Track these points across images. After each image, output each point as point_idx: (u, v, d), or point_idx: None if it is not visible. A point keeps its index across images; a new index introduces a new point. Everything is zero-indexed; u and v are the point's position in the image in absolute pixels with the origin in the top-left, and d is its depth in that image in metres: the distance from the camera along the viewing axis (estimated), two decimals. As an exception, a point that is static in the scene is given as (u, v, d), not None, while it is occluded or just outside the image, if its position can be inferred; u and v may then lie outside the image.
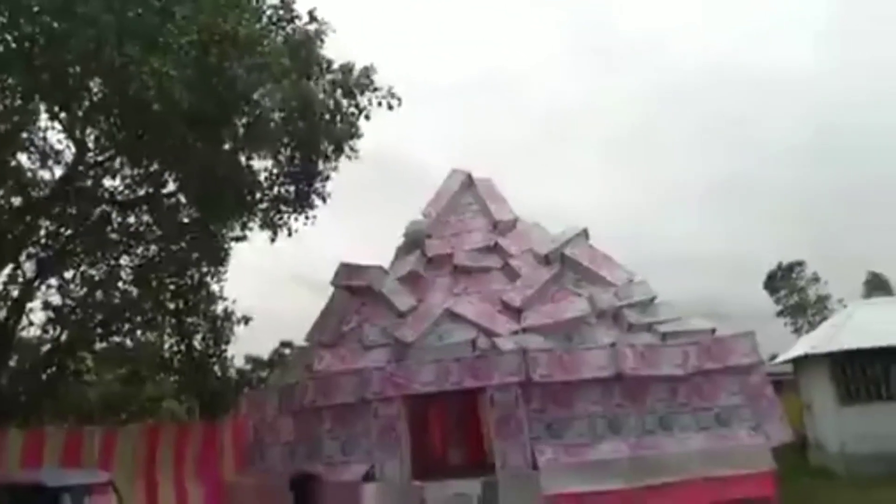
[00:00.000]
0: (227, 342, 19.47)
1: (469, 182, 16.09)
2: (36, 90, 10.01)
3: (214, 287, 17.85)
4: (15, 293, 13.80)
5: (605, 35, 79.34)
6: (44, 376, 15.27)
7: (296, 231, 14.27)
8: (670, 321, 13.30)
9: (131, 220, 14.44)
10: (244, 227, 14.42)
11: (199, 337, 19.01)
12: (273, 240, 14.00)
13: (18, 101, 10.40)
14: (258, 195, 13.63)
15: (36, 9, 8.79)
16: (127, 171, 13.72)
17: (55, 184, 12.96)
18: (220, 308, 18.74)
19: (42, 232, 13.67)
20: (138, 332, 16.86)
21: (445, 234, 15.25)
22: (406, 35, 79.45)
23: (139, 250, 14.97)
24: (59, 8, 8.68)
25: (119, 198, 13.92)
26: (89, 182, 13.35)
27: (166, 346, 18.82)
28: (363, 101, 12.76)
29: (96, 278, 14.93)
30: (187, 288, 16.77)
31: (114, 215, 14.14)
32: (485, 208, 15.57)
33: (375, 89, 12.78)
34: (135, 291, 15.26)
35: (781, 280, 42.37)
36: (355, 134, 13.26)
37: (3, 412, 13.66)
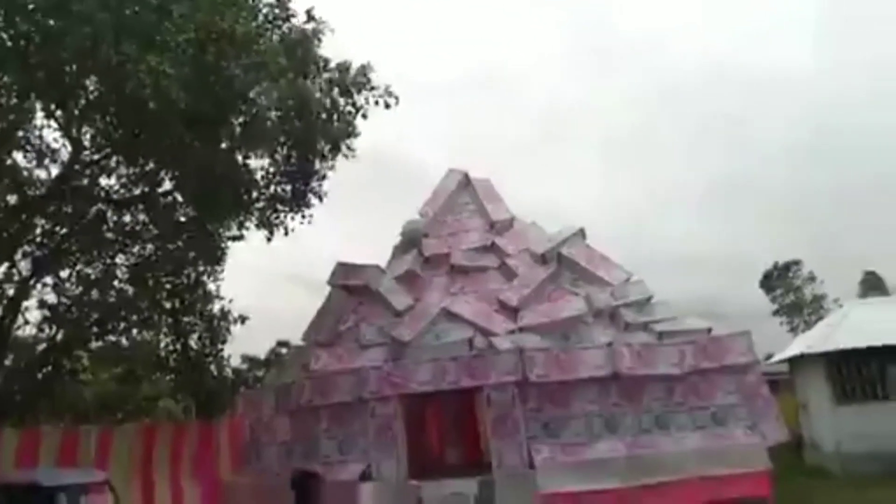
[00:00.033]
0: (224, 341, 19.38)
1: (466, 181, 16.10)
2: (32, 88, 9.97)
3: (211, 286, 17.79)
4: (10, 292, 13.74)
5: (604, 35, 79.39)
6: (39, 375, 15.22)
7: (292, 230, 14.25)
8: (667, 320, 13.33)
9: (127, 218, 14.40)
10: (241, 226, 14.39)
11: (195, 336, 18.92)
12: (270, 239, 13.96)
13: (14, 100, 10.34)
14: (255, 194, 13.60)
15: (31, 6, 8.76)
16: (123, 170, 13.68)
17: (51, 182, 12.92)
18: (216, 307, 18.65)
19: (38, 230, 13.62)
20: (134, 332, 16.80)
21: (442, 234, 15.26)
22: (404, 34, 79.43)
23: (135, 249, 14.92)
24: (55, 6, 8.65)
25: (115, 196, 13.88)
26: (85, 181, 13.31)
27: (162, 345, 18.73)
28: (360, 99, 12.74)
29: (92, 277, 14.88)
30: (184, 287, 16.72)
31: (110, 214, 14.09)
32: (482, 208, 15.57)
33: (372, 88, 12.75)
34: (131, 290, 15.22)
35: (778, 279, 42.47)
36: (352, 133, 13.24)
37: (-2, 411, 13.62)
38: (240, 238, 15.00)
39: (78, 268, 14.79)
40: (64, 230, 13.78)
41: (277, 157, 13.50)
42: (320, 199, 14.23)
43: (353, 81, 12.69)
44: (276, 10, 11.58)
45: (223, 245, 15.63)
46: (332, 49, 12.78)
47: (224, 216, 13.67)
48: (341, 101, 12.78)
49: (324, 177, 14.08)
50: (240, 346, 23.73)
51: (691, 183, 65.64)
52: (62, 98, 10.72)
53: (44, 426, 15.35)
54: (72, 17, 8.59)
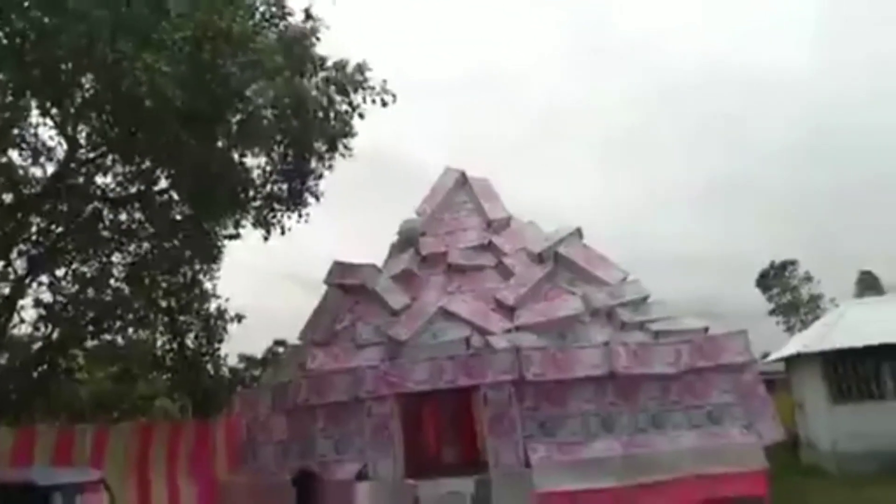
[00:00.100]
0: (220, 340, 19.40)
1: (463, 180, 16.10)
2: (27, 86, 9.91)
3: (207, 285, 17.81)
4: (6, 290, 13.69)
5: (603, 34, 79.53)
6: (35, 374, 15.17)
7: (289, 229, 14.18)
8: (663, 320, 13.34)
9: (123, 217, 14.33)
10: (237, 224, 14.33)
11: (191, 335, 18.94)
12: (266, 238, 13.90)
13: (9, 97, 10.29)
14: (251, 193, 13.55)
15: (27, 3, 8.71)
16: (119, 168, 13.61)
17: (46, 181, 12.86)
18: (212, 306, 18.68)
19: (33, 229, 13.56)
20: (130, 330, 16.76)
21: (439, 233, 15.26)
22: (402, 33, 79.43)
23: (131, 248, 14.86)
24: (51, 3, 8.61)
25: (111, 195, 13.82)
26: (81, 179, 13.25)
27: (159, 344, 18.74)
28: (357, 98, 12.70)
29: (88, 276, 14.82)
30: (180, 286, 16.69)
31: (106, 212, 14.03)
32: (479, 206, 15.58)
33: (370, 87, 12.72)
34: (127, 289, 15.17)
35: (774, 279, 42.60)
36: (349, 132, 13.20)
37: (-7, 410, 13.58)
38: (236, 237, 14.95)
39: (74, 266, 14.74)
40: (59, 229, 13.72)
41: (274, 155, 13.45)
42: (317, 198, 14.19)
43: (349, 80, 12.64)
44: (273, 9, 11.54)
45: (219, 244, 15.58)
46: (328, 47, 12.74)
47: (220, 215, 13.62)
48: (338, 99, 12.74)
49: (321, 176, 14.03)
50: (236, 345, 23.69)
51: (689, 183, 65.87)
52: (58, 96, 10.67)
53: (39, 425, 15.30)
54: (68, 15, 8.55)
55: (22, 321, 14.65)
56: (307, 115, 11.97)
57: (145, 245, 14.79)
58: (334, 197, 14.75)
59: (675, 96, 69.90)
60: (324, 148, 13.18)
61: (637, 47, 72.69)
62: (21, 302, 14.12)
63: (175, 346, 18.68)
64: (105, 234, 14.19)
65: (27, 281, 14.04)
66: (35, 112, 11.68)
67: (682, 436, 11.39)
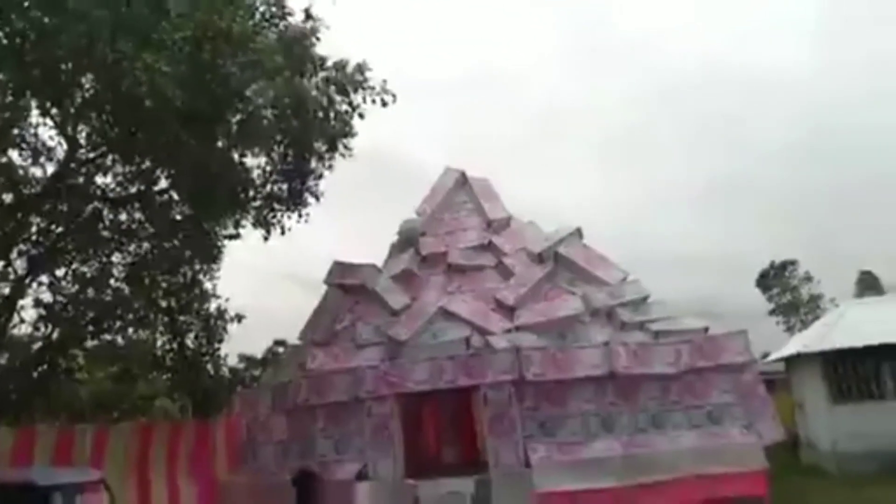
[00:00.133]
0: (220, 340, 19.40)
1: (463, 180, 16.10)
2: (27, 86, 9.91)
3: (207, 285, 17.80)
4: (6, 290, 13.69)
5: (602, 35, 79.55)
6: (35, 374, 15.17)
7: (289, 229, 14.18)
8: (663, 320, 13.34)
9: (123, 217, 14.33)
10: (237, 224, 14.33)
11: (191, 335, 18.94)
12: (266, 238, 13.90)
13: (9, 98, 10.29)
14: (251, 193, 13.55)
15: (26, 3, 8.71)
16: (119, 168, 13.61)
17: (46, 181, 12.86)
18: (212, 306, 18.68)
19: (33, 229, 13.56)
20: (130, 330, 16.76)
21: (439, 233, 15.25)
22: (402, 33, 79.43)
23: (131, 248, 14.86)
24: (50, 3, 8.60)
25: (111, 195, 13.82)
26: (81, 179, 13.25)
27: (159, 344, 18.73)
28: (357, 98, 12.70)
29: (88, 276, 14.82)
30: (180, 286, 16.69)
31: (105, 212, 14.03)
32: (479, 206, 15.58)
33: (370, 87, 12.72)
34: (127, 289, 15.16)
35: (774, 279, 42.61)
36: (349, 132, 13.20)
37: (-7, 410, 13.58)
38: (236, 237, 14.95)
39: (73, 266, 14.74)
40: (59, 229, 13.72)
41: (274, 155, 13.46)
42: (317, 198, 14.18)
43: (350, 80, 12.64)
44: (273, 9, 11.54)
45: (219, 244, 15.58)
46: (329, 47, 12.74)
47: (220, 215, 13.62)
48: (338, 99, 12.74)
49: (321, 176, 14.03)
50: (236, 345, 23.70)
51: (688, 182, 65.89)
52: (58, 96, 10.66)
53: (39, 425, 15.30)
54: (67, 15, 8.55)
55: (22, 321, 14.66)
56: (307, 115, 11.97)
57: (145, 245, 14.79)
58: (334, 197, 14.77)
59: (675, 96, 70.02)
60: (324, 148, 13.19)
61: (636, 47, 72.78)
62: (21, 302, 14.12)
63: (175, 346, 18.68)
64: (105, 234, 14.19)
65: (27, 281, 14.04)
66: (35, 112, 11.68)
67: (682, 436, 11.39)
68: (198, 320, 18.62)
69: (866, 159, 51.81)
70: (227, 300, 18.81)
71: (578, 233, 14.79)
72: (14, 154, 12.69)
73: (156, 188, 13.70)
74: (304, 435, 12.39)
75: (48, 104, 11.22)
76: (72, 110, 11.49)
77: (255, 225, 13.92)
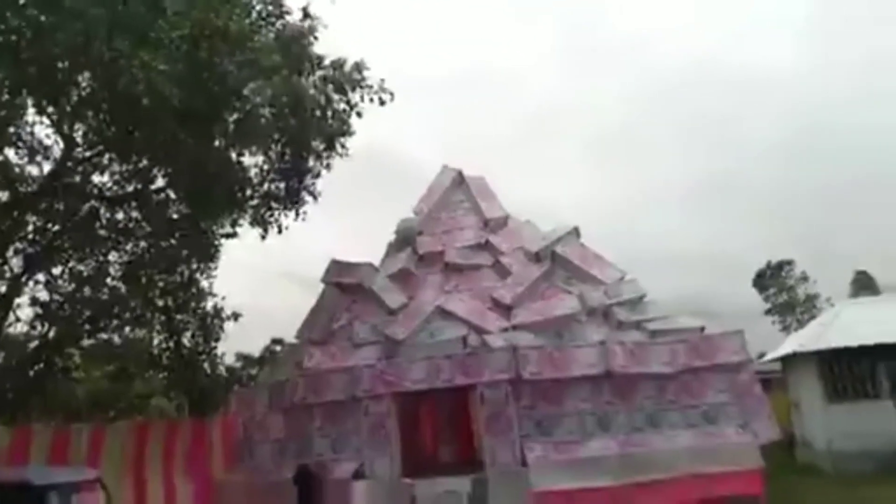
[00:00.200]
0: (217, 339, 19.36)
1: (460, 179, 16.10)
2: (23, 84, 9.89)
3: (204, 284, 17.75)
4: (2, 289, 13.65)
5: (595, 34, 79.60)
6: (31, 373, 15.14)
7: (286, 228, 14.18)
8: (659, 319, 13.37)
9: (120, 216, 14.31)
10: (234, 223, 14.33)
11: (188, 334, 18.90)
12: (263, 236, 13.91)
13: (6, 96, 10.27)
14: (248, 191, 13.55)
15: (23, 2, 8.68)
16: (116, 167, 13.59)
17: (43, 179, 12.83)
18: (209, 305, 18.63)
19: (30, 227, 13.53)
20: (127, 329, 16.75)
21: (437, 232, 15.25)
22: (399, 31, 79.36)
23: (128, 246, 14.84)
24: (47, 1, 8.58)
25: (108, 194, 13.79)
26: (78, 178, 13.23)
27: (155, 342, 18.69)
28: (355, 97, 12.70)
29: (84, 274, 14.80)
30: (177, 285, 16.66)
31: (102, 211, 14.01)
32: (476, 206, 15.58)
33: (368, 86, 12.72)
34: (123, 288, 15.14)
35: (771, 279, 42.69)
36: (347, 131, 13.20)
37: (-11, 409, 13.55)
38: (233, 235, 14.95)
39: (70, 265, 14.71)
40: (56, 227, 13.70)
41: (271, 154, 13.46)
42: (314, 196, 14.19)
43: (347, 78, 12.64)
44: (270, 7, 11.54)
45: (216, 242, 15.57)
46: (326, 46, 12.75)
47: (217, 213, 13.61)
48: (336, 98, 12.74)
49: (318, 174, 14.03)
50: (233, 344, 23.64)
51: (682, 181, 65.92)
52: (54, 94, 10.64)
53: (35, 424, 15.27)
54: (64, 13, 8.53)
55: (18, 320, 14.62)
56: (305, 114, 11.97)
57: (142, 244, 14.78)
58: (331, 195, 14.78)
59: (670, 95, 70.00)
60: (321, 147, 13.19)
61: (632, 46, 72.80)
62: (17, 300, 14.09)
63: (171, 344, 18.65)
64: (102, 232, 14.17)
65: (23, 279, 14.01)
66: (31, 110, 11.66)
67: (678, 435, 11.42)
68: (194, 319, 18.58)
69: (861, 159, 51.98)
70: (223, 299, 18.80)
71: (575, 232, 14.82)
72: (10, 152, 12.68)
73: (153, 187, 13.68)
74: (301, 434, 12.38)
75: (45, 102, 11.20)
76: (68, 108, 11.47)
77: (252, 223, 13.92)
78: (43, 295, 14.84)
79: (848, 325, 16.44)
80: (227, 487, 13.26)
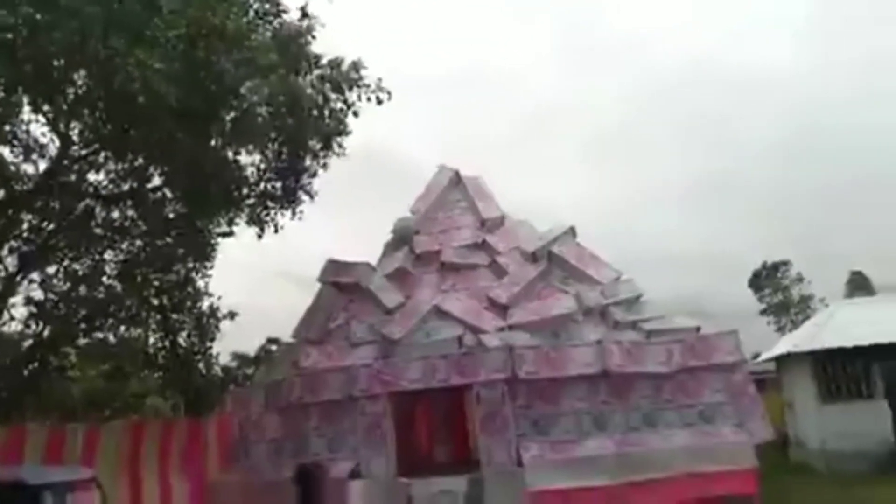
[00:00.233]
0: (213, 339, 19.35)
1: (457, 179, 16.10)
2: (19, 82, 9.85)
3: (200, 283, 17.74)
4: (-3, 288, 13.63)
5: (592, 34, 79.73)
6: (26, 372, 15.10)
7: (283, 227, 14.21)
8: (655, 319, 13.39)
9: (116, 214, 14.29)
10: (231, 222, 14.33)
11: (184, 333, 18.88)
12: (260, 236, 13.91)
13: (1, 94, 10.23)
14: (245, 191, 13.54)
15: (18, -1, 8.66)
16: (112, 166, 13.57)
17: (38, 178, 12.79)
18: (205, 304, 18.62)
19: (25, 226, 13.50)
20: (122, 328, 16.70)
21: (433, 231, 15.24)
22: (396, 31, 79.34)
23: (124, 245, 14.82)
24: (43, -1, 8.56)
25: (103, 192, 13.77)
26: (73, 176, 13.20)
27: (151, 342, 18.66)
28: (352, 96, 12.69)
29: (80, 273, 14.77)
30: (172, 284, 16.65)
31: (98, 210, 13.98)
32: (473, 205, 15.58)
33: (365, 85, 12.72)
34: (119, 287, 15.12)
35: (766, 279, 42.87)
36: (343, 130, 13.20)
37: (-16, 408, 13.50)
38: (230, 234, 14.95)
39: (65, 264, 14.68)
40: (51, 226, 13.67)
41: (268, 153, 13.45)
42: (311, 196, 14.19)
43: (344, 78, 12.63)
44: (268, 6, 11.53)
45: (213, 241, 15.57)
46: (323, 45, 12.74)
47: (214, 212, 13.60)
48: (333, 97, 12.73)
49: (315, 174, 14.04)
50: (229, 344, 23.62)
51: (678, 181, 66.15)
52: (50, 92, 10.62)
53: (30, 423, 15.24)
54: (60, 11, 8.51)
55: (13, 319, 14.60)
56: (302, 113, 11.97)
57: (138, 243, 14.76)
58: (328, 195, 14.79)
59: (667, 95, 70.21)
60: (318, 146, 13.20)
61: (628, 46, 73.06)
62: (12, 299, 14.06)
63: (167, 344, 18.63)
64: (97, 231, 14.15)
65: (18, 278, 13.98)
66: (27, 108, 11.63)
67: (674, 434, 11.43)
68: (190, 318, 18.56)
69: (857, 159, 52.26)
70: (219, 298, 18.79)
71: (572, 232, 14.83)
72: (6, 150, 12.64)
73: (149, 185, 13.66)
74: (298, 433, 12.36)
75: (40, 100, 11.17)
76: (64, 107, 11.45)
77: (248, 223, 13.92)
78: (38, 294, 14.85)
79: (842, 325, 16.53)
80: (223, 487, 13.23)
